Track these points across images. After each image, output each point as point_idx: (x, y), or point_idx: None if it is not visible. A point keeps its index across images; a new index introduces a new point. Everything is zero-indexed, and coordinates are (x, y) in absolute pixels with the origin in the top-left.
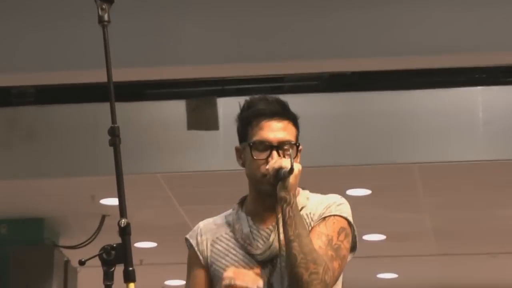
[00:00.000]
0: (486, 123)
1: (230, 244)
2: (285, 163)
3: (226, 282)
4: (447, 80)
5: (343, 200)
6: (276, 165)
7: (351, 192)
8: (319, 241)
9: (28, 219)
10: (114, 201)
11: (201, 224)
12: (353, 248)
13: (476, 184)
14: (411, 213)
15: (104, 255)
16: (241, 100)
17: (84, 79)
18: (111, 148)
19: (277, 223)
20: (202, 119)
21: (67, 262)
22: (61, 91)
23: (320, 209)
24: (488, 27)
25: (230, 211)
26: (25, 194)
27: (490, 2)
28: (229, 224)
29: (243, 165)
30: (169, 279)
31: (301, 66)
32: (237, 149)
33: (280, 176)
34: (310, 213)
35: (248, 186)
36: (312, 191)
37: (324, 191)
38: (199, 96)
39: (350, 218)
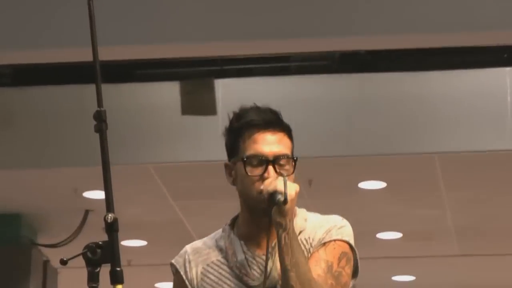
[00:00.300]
0: None
1: (222, 272)
2: (280, 185)
3: None
4: (472, 60)
5: (345, 222)
6: (271, 188)
7: (364, 185)
8: (318, 268)
9: (3, 215)
10: (99, 194)
11: (188, 248)
12: (354, 273)
13: (504, 176)
14: (431, 209)
15: (89, 254)
16: (241, 82)
17: (67, 58)
18: (97, 136)
19: (275, 251)
20: (199, 103)
21: (46, 262)
22: (41, 71)
23: (319, 234)
24: None
25: (219, 232)
26: (0, 187)
27: None
28: (220, 249)
29: (233, 182)
30: (160, 281)
31: (309, 44)
32: (226, 166)
33: (275, 200)
34: (309, 238)
35: (240, 205)
36: (321, 184)
37: (334, 184)
38: (195, 77)
39: (352, 242)
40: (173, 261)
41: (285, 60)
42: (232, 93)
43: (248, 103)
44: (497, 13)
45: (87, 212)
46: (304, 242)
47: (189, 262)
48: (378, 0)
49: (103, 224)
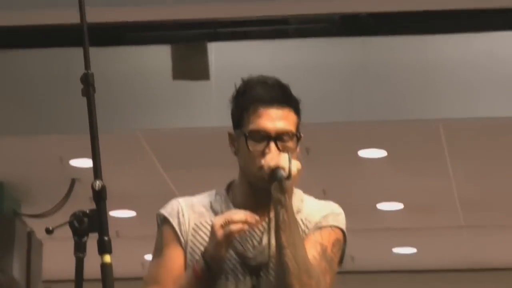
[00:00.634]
0: None
1: None
2: (283, 161)
3: (221, 221)
4: (480, 23)
5: (341, 210)
6: (272, 164)
7: (364, 153)
8: (313, 250)
9: None
10: (85, 163)
11: (182, 201)
12: (340, 262)
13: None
14: (434, 180)
15: (75, 223)
16: (236, 45)
17: (53, 20)
18: (83, 102)
19: (272, 227)
20: (191, 67)
21: (30, 233)
22: (25, 33)
23: (317, 217)
24: None
25: (213, 195)
26: None
27: None
28: (215, 212)
29: (235, 153)
30: (149, 253)
31: (308, 6)
32: (230, 135)
33: (276, 177)
34: (305, 219)
35: (239, 175)
36: (320, 152)
37: (333, 152)
38: (187, 40)
39: (345, 231)
40: (161, 210)
41: (282, 22)
42: (226, 58)
43: (243, 68)
44: None
45: (73, 181)
46: (300, 223)
47: (183, 214)
48: None
49: (90, 194)
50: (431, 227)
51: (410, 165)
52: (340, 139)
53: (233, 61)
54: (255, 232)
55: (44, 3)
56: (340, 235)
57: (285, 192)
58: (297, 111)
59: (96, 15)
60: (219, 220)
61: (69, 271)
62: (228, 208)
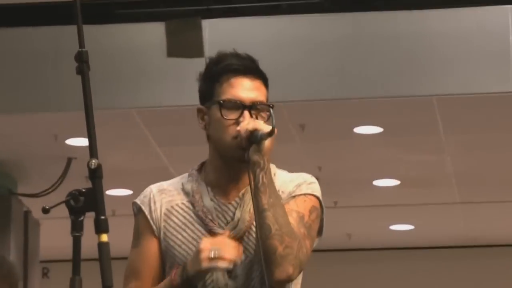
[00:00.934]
0: None
1: (187, 217)
2: (260, 125)
3: (210, 254)
4: None
5: (314, 179)
6: (250, 127)
7: (359, 130)
8: (290, 218)
9: None
10: (81, 141)
11: (154, 188)
12: (319, 233)
13: (506, 120)
14: (430, 155)
15: (72, 202)
16: (229, 22)
17: None
18: (77, 80)
19: (252, 192)
20: (184, 44)
21: (27, 213)
22: (17, 10)
23: (290, 188)
24: None
25: (186, 176)
26: None
27: None
28: (186, 192)
29: (205, 127)
30: None
31: None
32: (199, 110)
33: (256, 138)
34: (279, 191)
35: (209, 152)
36: (315, 129)
37: (328, 129)
38: (181, 16)
39: (321, 199)
40: (136, 200)
41: None
42: (219, 34)
43: (237, 44)
44: None
45: (69, 160)
46: None
47: (154, 202)
48: None
49: (86, 173)
50: (427, 203)
51: (406, 141)
52: (335, 116)
53: (227, 37)
54: (228, 208)
55: None
56: (316, 202)
57: (264, 154)
58: (266, 85)
59: None
60: (207, 250)
61: (67, 251)
62: (199, 187)
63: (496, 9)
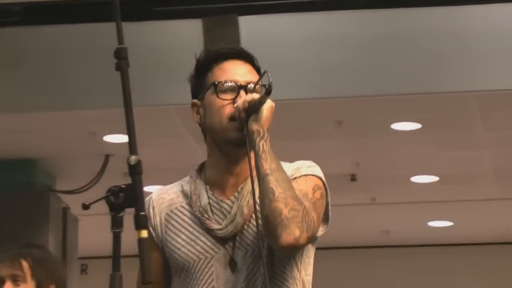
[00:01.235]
0: None
1: (185, 219)
2: (257, 95)
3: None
4: None
5: (314, 164)
6: (248, 98)
7: (397, 126)
8: None
9: (18, 160)
10: (119, 138)
11: (153, 195)
12: (325, 220)
13: None
14: (468, 151)
15: (112, 198)
16: (266, 19)
17: None
18: (114, 77)
19: (250, 169)
20: (221, 41)
21: (65, 209)
22: (54, 8)
23: (289, 172)
24: None
25: (186, 178)
26: (14, 131)
27: None
28: (185, 194)
29: (201, 120)
30: None
31: None
32: (193, 104)
33: (254, 105)
34: None
35: (207, 147)
36: (352, 125)
37: (366, 125)
38: (217, 13)
39: (324, 180)
40: None
41: None
42: (256, 31)
43: (272, 41)
44: None
45: (107, 157)
46: None
47: (153, 208)
48: None
49: (123, 170)
50: (466, 199)
51: (443, 137)
52: (372, 112)
53: (263, 34)
54: (226, 203)
55: None
56: (318, 181)
57: (262, 124)
58: (259, 72)
59: None
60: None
61: (105, 247)
62: (197, 186)
63: None
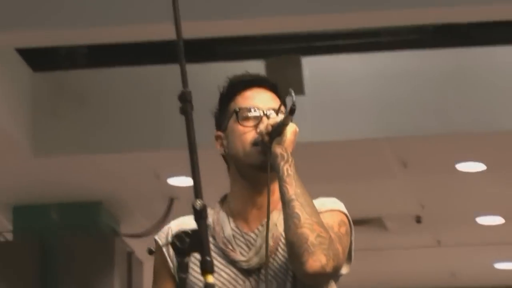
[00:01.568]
0: None
1: None
2: (278, 119)
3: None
4: None
5: (339, 200)
6: (271, 121)
7: (462, 166)
8: None
9: (83, 203)
10: (183, 181)
11: (173, 224)
12: (348, 259)
13: None
14: None
15: (178, 243)
16: (329, 59)
17: (147, 36)
18: (178, 118)
19: (268, 192)
20: (285, 81)
21: (130, 254)
22: (118, 50)
23: None
24: None
25: (209, 210)
26: (78, 173)
27: None
28: (208, 225)
29: (224, 151)
30: None
31: (401, 17)
32: (217, 137)
33: (277, 128)
34: None
35: (230, 179)
36: (417, 164)
37: (429, 165)
38: (281, 54)
39: (350, 217)
40: (156, 237)
41: (375, 35)
42: (319, 71)
43: (337, 80)
44: None
45: (171, 200)
46: None
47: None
48: None
49: (188, 212)
50: None
51: (509, 176)
52: (436, 152)
53: (327, 74)
54: (250, 236)
55: (137, 19)
56: (344, 217)
57: (286, 147)
58: (281, 99)
59: (187, 29)
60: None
61: None
62: (220, 218)
63: None
